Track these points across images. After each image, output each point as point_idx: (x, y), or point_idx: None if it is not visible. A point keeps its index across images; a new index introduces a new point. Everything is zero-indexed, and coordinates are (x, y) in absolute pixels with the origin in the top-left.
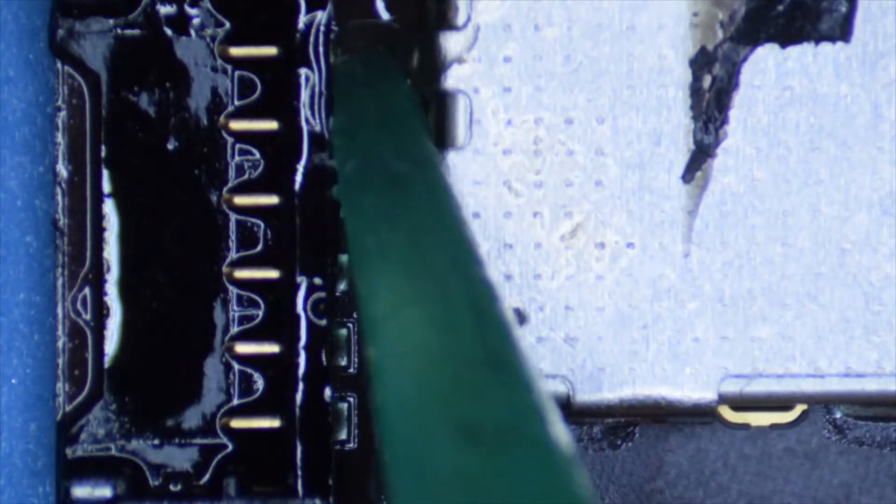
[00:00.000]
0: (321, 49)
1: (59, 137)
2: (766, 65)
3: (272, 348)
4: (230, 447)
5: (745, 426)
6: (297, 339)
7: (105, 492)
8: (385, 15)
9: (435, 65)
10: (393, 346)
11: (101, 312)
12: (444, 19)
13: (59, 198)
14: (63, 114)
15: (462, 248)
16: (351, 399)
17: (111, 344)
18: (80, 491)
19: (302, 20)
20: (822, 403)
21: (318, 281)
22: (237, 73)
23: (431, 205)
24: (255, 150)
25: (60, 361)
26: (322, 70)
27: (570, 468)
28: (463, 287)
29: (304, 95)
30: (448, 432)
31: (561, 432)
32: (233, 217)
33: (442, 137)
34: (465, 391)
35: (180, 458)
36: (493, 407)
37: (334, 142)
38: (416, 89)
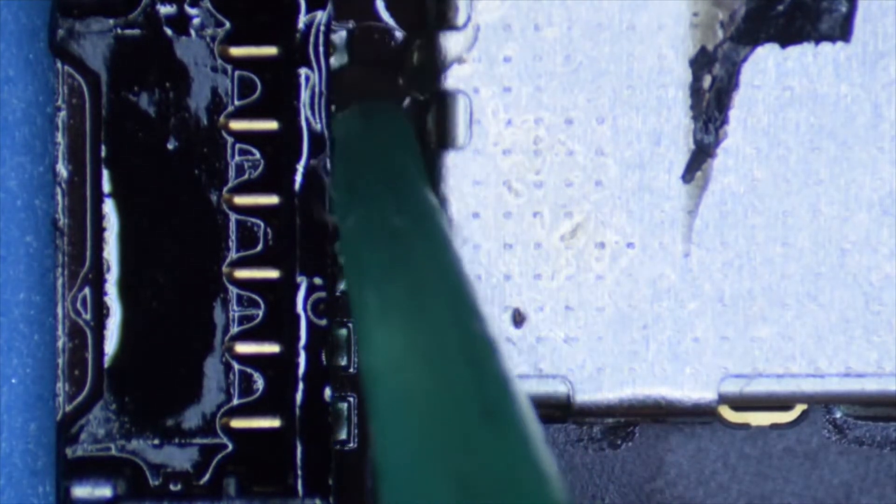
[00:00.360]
0: (321, 49)
1: (59, 137)
2: (766, 65)
3: (272, 348)
4: (230, 447)
5: (746, 426)
6: (297, 338)
7: (105, 492)
8: (385, 15)
9: (435, 65)
10: (391, 400)
11: (101, 312)
12: (444, 19)
13: (59, 198)
14: (63, 113)
15: (461, 303)
16: (351, 399)
17: (111, 344)
18: (80, 491)
19: (302, 20)
20: (822, 403)
21: (318, 281)
22: (237, 72)
23: (431, 260)
24: (255, 150)
25: (60, 361)
26: (322, 70)
27: None
28: (461, 342)
29: (305, 95)
30: (444, 486)
31: (558, 487)
32: (233, 217)
33: (442, 137)
34: (461, 445)
35: (180, 457)
36: (489, 461)
37: (334, 196)
38: (417, 140)
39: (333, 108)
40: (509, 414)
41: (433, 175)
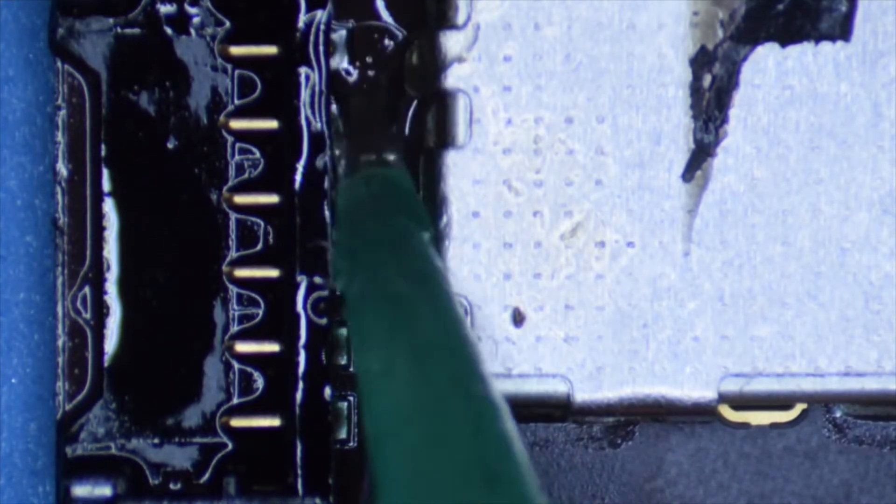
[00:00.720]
0: (321, 48)
1: (59, 136)
2: (766, 64)
3: (272, 347)
4: (230, 446)
5: (745, 425)
6: (297, 338)
7: (105, 491)
8: (385, 14)
9: (435, 64)
10: (393, 463)
11: (100, 311)
12: (444, 18)
13: (59, 197)
14: (63, 113)
15: (463, 366)
16: (351, 398)
17: (111, 343)
18: (80, 490)
19: (302, 19)
20: (821, 402)
21: (318, 280)
22: (237, 72)
23: (433, 324)
24: (255, 149)
25: (60, 360)
26: (322, 69)
27: None
28: (463, 405)
29: (305, 94)
30: None
31: None
32: (233, 216)
33: (442, 136)
34: None
35: (180, 456)
36: None
37: (337, 263)
38: (418, 200)
39: (338, 178)
40: (510, 476)
41: (434, 176)
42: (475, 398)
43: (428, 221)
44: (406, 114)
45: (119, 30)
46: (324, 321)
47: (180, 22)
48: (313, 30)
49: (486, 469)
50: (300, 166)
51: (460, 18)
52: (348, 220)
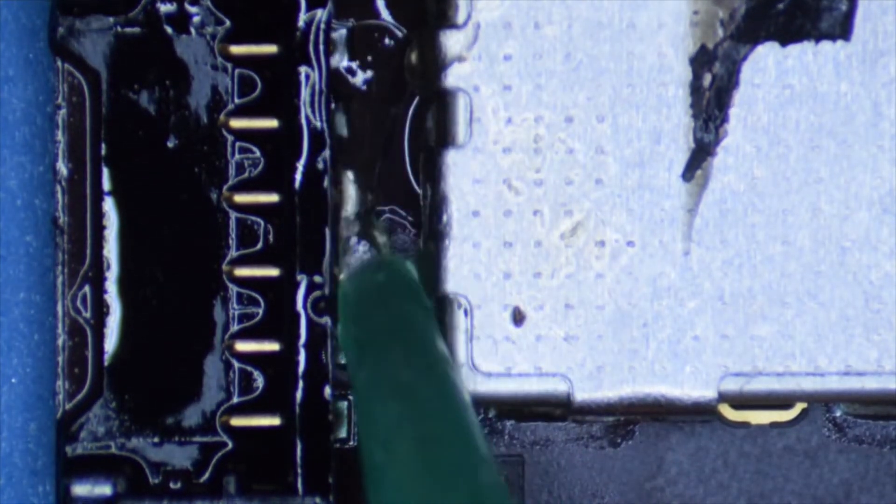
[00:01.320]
0: (321, 47)
1: (59, 135)
2: (766, 63)
3: (272, 346)
4: (230, 445)
5: (745, 424)
6: (297, 337)
7: (105, 490)
8: (385, 13)
9: (435, 63)
10: None
11: (101, 310)
12: (444, 17)
13: (59, 196)
14: (63, 112)
15: (468, 454)
16: (351, 398)
17: (111, 342)
18: (80, 489)
19: (302, 18)
20: (821, 402)
21: (318, 279)
22: (237, 71)
23: (438, 413)
24: (255, 148)
25: (60, 359)
26: (322, 68)
27: None
28: (468, 492)
29: (305, 93)
30: None
31: None
32: (233, 215)
33: (442, 135)
34: None
35: (180, 456)
36: None
37: (346, 354)
38: (422, 289)
39: (339, 273)
40: None
41: (434, 175)
42: (480, 486)
43: (430, 307)
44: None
45: (119, 29)
46: (324, 320)
47: (180, 21)
48: (313, 29)
49: None
50: (300, 165)
51: (460, 17)
52: (356, 307)
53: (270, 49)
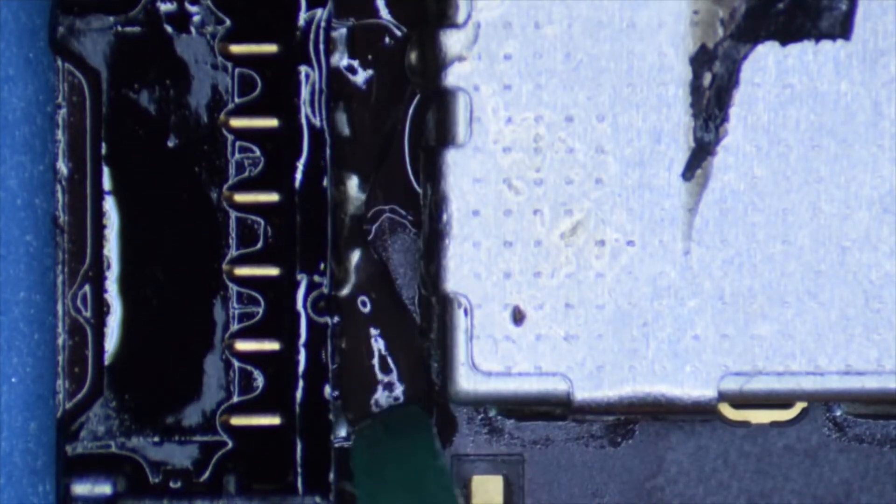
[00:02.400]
0: (321, 46)
1: (60, 135)
2: (766, 62)
3: (272, 346)
4: (230, 444)
5: (746, 424)
6: (297, 336)
7: (105, 489)
8: (385, 12)
9: (435, 62)
10: None
11: (101, 309)
12: (444, 17)
13: (60, 195)
14: (63, 111)
15: None
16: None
17: (111, 341)
18: (80, 488)
19: (302, 17)
20: (822, 401)
21: (318, 278)
22: (237, 70)
23: None
24: (255, 148)
25: (60, 359)
26: (322, 67)
27: None
28: None
29: (305, 93)
30: None
31: None
32: (233, 214)
33: (442, 135)
34: None
35: (180, 455)
36: None
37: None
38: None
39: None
40: None
41: (434, 174)
42: None
43: (443, 462)
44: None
45: (119, 28)
46: (324, 320)
47: (181, 20)
48: (313, 28)
49: None
50: (300, 165)
51: (461, 17)
52: (369, 468)
53: (270, 48)
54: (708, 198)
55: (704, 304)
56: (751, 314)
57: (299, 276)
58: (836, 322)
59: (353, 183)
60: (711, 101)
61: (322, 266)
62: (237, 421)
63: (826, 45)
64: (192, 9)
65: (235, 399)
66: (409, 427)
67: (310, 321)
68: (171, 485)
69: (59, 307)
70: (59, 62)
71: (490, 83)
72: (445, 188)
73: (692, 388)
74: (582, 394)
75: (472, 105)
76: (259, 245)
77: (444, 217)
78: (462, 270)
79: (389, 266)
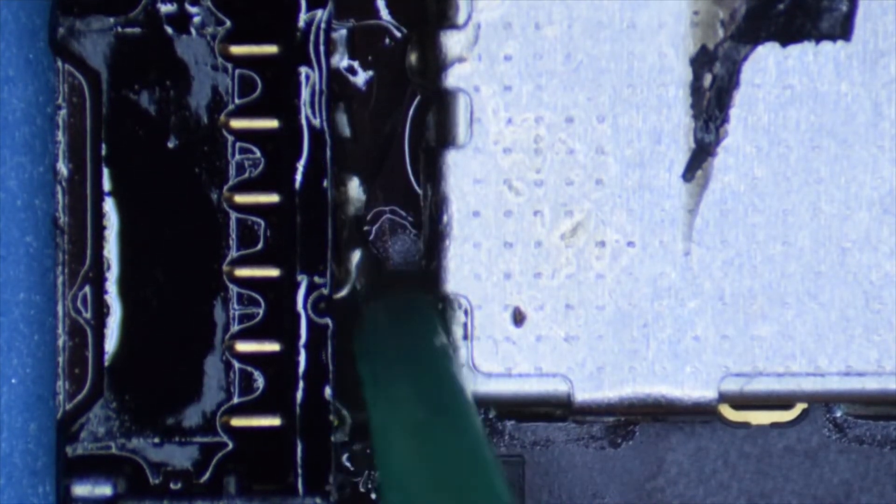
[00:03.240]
0: (321, 48)
1: (60, 136)
2: (766, 63)
3: (272, 347)
4: (230, 445)
5: (746, 425)
6: (298, 337)
7: (105, 490)
8: (385, 13)
9: (436, 63)
10: None
11: (101, 311)
12: (444, 18)
13: (60, 196)
14: (63, 112)
15: (485, 493)
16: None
17: (111, 342)
18: (80, 489)
19: (302, 18)
20: (822, 402)
21: (318, 279)
22: (238, 71)
23: (454, 453)
24: (255, 149)
25: (61, 360)
26: (322, 68)
27: None
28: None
29: (305, 94)
30: None
31: None
32: (233, 215)
33: (442, 136)
34: None
35: (180, 456)
36: None
37: (364, 393)
38: (441, 329)
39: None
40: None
41: (435, 175)
42: None
43: (448, 349)
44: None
45: (120, 29)
46: (324, 321)
47: (181, 21)
48: (313, 29)
49: None
50: (300, 166)
51: (461, 18)
52: (372, 348)
53: (271, 49)
54: (708, 199)
55: (705, 304)
56: (751, 315)
57: (300, 277)
58: (837, 323)
59: (353, 184)
60: (712, 102)
61: (322, 267)
62: (237, 422)
63: (826, 45)
64: (193, 10)
65: (236, 400)
66: (412, 310)
67: (310, 322)
68: (172, 486)
69: (59, 308)
70: (60, 63)
71: (490, 84)
72: (446, 189)
73: (692, 388)
74: (582, 395)
75: (472, 106)
76: (259, 246)
77: (445, 218)
78: (462, 271)
79: (389, 267)
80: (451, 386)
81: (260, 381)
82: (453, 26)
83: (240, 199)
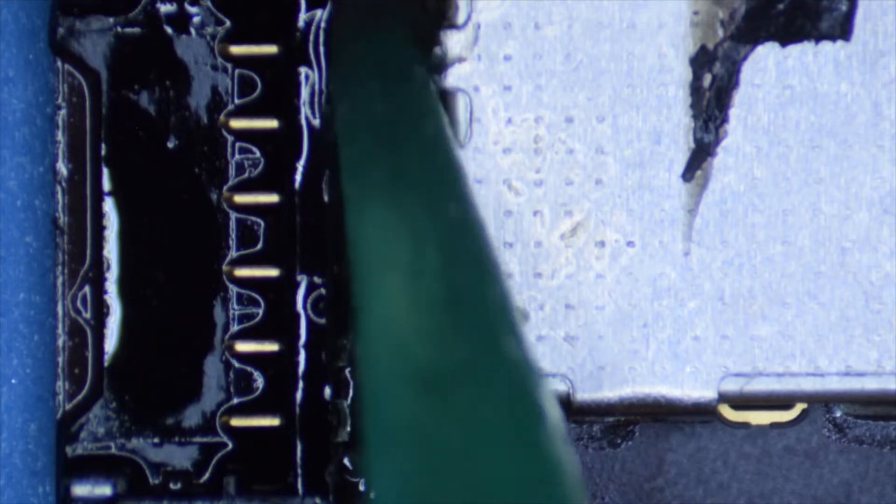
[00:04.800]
0: (321, 48)
1: (59, 136)
2: (766, 63)
3: (272, 347)
4: (230, 446)
5: (745, 425)
6: (297, 337)
7: (105, 490)
8: None
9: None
10: (367, 294)
11: (101, 311)
12: (444, 18)
13: (59, 196)
14: (63, 112)
15: (441, 187)
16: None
17: (111, 342)
18: (80, 489)
19: (302, 18)
20: (822, 402)
21: (318, 279)
22: (237, 71)
23: (415, 147)
24: (255, 149)
25: (60, 360)
26: (322, 68)
27: (532, 410)
28: (435, 225)
29: (305, 94)
30: (405, 382)
31: (526, 374)
32: (233, 215)
33: None
34: (424, 337)
35: (180, 456)
36: (450, 352)
37: (333, 103)
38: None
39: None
40: (478, 298)
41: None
42: (451, 218)
43: (419, 59)
44: None
45: (119, 29)
46: (324, 321)
47: (180, 21)
48: (313, 29)
49: (453, 292)
50: (300, 166)
51: (460, 18)
52: (343, 54)
53: (270, 49)
54: (708, 199)
55: (704, 304)
56: (751, 315)
57: (299, 277)
58: (836, 323)
59: None
60: (711, 102)
61: (322, 267)
62: (237, 422)
63: (826, 45)
64: (192, 10)
65: (235, 400)
66: (385, 27)
67: (310, 322)
68: (171, 486)
69: (59, 308)
70: (59, 63)
71: (490, 84)
72: None
73: (692, 389)
74: (582, 395)
75: (471, 106)
76: (259, 246)
77: None
78: None
79: None
80: (418, 87)
81: (260, 381)
82: (453, 26)
83: (239, 199)
